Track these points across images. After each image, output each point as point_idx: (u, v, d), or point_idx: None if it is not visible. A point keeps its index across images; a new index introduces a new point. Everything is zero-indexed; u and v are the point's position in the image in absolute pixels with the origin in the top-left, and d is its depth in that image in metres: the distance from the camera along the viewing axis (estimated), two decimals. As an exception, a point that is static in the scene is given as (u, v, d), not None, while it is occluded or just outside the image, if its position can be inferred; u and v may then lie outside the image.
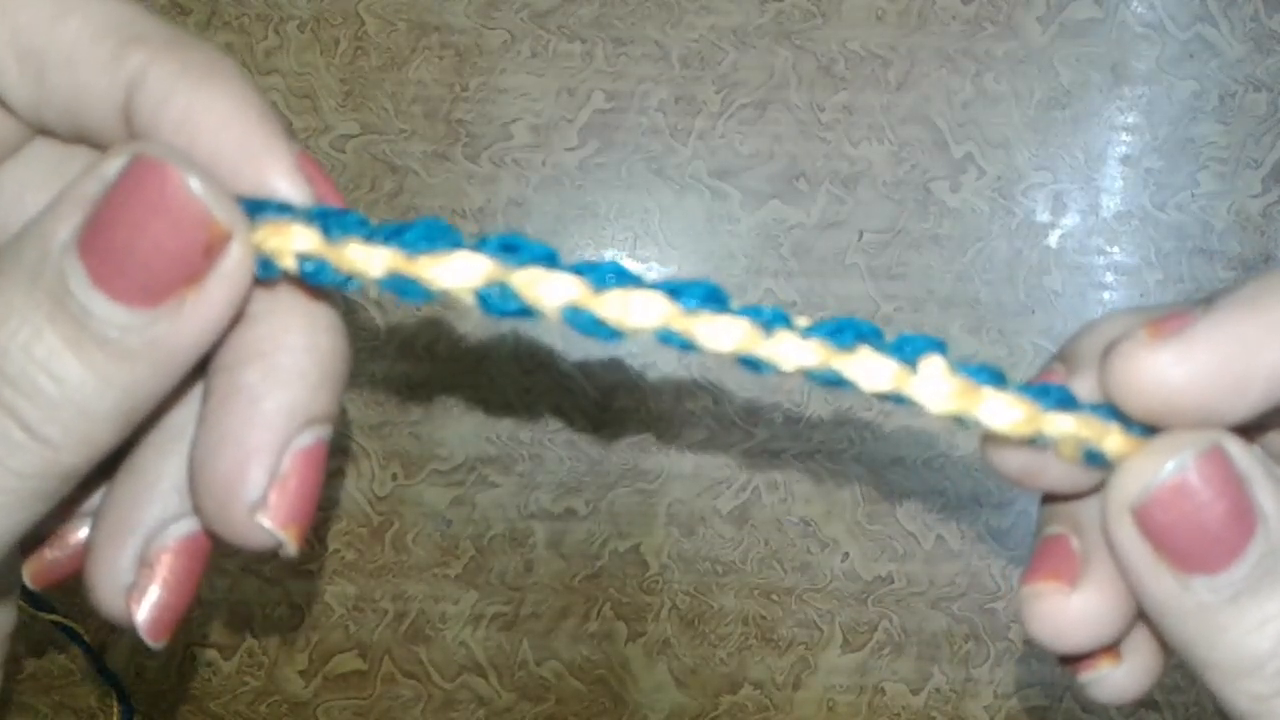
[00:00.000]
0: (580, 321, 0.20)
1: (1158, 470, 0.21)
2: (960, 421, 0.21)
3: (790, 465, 0.53)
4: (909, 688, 0.53)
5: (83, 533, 0.24)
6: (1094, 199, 0.53)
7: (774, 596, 0.53)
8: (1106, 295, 0.53)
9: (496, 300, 0.20)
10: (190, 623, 0.54)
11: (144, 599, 0.22)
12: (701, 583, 0.53)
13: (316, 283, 0.21)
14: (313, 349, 0.22)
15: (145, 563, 0.22)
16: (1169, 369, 0.20)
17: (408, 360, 0.53)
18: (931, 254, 0.53)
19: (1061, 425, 0.21)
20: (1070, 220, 0.53)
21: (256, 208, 0.20)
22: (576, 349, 0.53)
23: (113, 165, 0.19)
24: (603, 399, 0.53)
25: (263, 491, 0.21)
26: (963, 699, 0.52)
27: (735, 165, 0.53)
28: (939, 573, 0.52)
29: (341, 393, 0.22)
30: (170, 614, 0.22)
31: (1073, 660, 0.24)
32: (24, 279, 0.19)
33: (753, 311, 0.21)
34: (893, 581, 0.53)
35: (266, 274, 0.21)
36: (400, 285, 0.21)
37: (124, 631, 0.53)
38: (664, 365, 0.53)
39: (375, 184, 0.53)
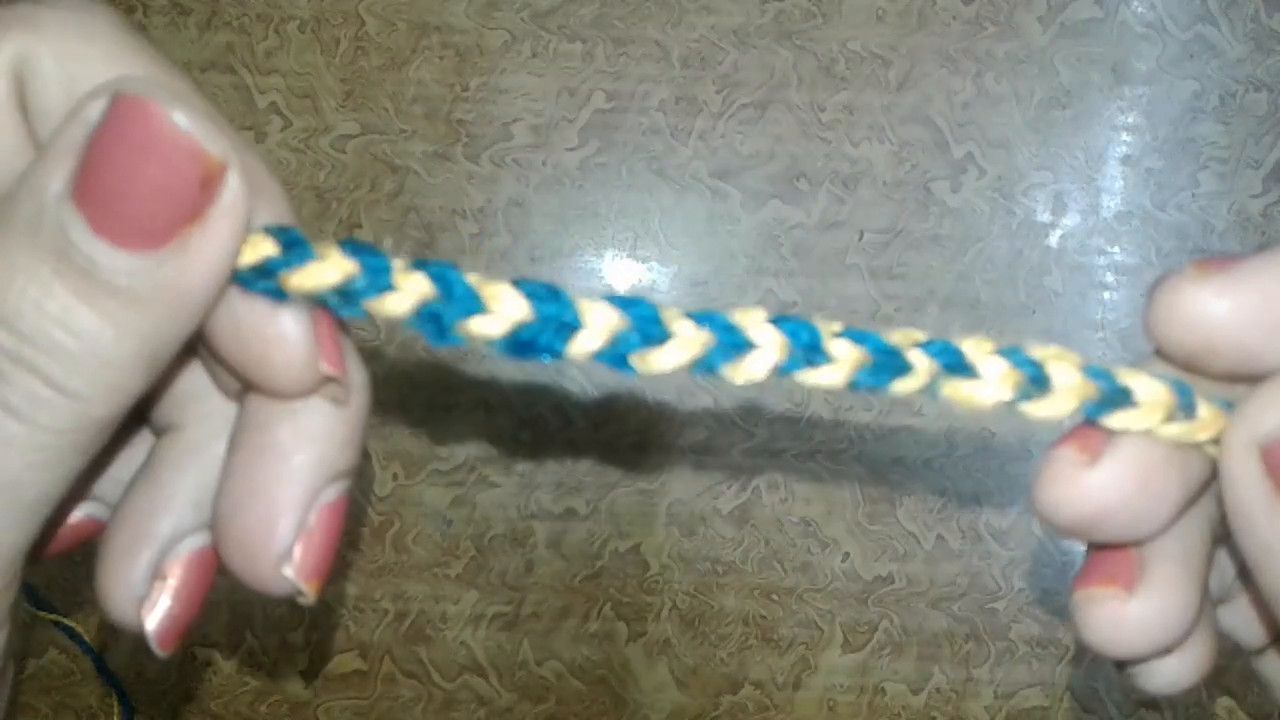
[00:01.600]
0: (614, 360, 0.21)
1: None
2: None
3: (791, 465, 0.53)
4: (909, 688, 0.53)
5: (80, 510, 0.24)
6: (1094, 199, 0.53)
7: (774, 596, 0.53)
8: (1107, 295, 0.53)
9: (538, 341, 0.21)
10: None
11: (155, 609, 0.23)
12: (702, 583, 0.53)
13: (343, 313, 0.21)
14: (340, 408, 0.22)
15: (158, 575, 0.23)
16: (1211, 302, 0.20)
17: (408, 360, 0.53)
18: (932, 254, 0.53)
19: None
20: (1071, 220, 0.53)
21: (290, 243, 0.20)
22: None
23: (94, 108, 0.19)
24: (604, 399, 0.53)
25: (289, 545, 0.22)
26: (963, 699, 0.52)
27: (736, 165, 0.53)
28: (939, 573, 0.52)
29: (361, 445, 0.23)
30: (179, 624, 0.23)
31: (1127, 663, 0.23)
32: (24, 235, 0.19)
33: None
34: (893, 581, 0.53)
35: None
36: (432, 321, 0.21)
37: (124, 632, 0.53)
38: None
39: (376, 184, 0.53)
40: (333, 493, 0.22)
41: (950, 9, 0.53)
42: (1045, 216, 0.53)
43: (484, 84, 0.53)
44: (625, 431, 0.53)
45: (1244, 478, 0.20)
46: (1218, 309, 0.20)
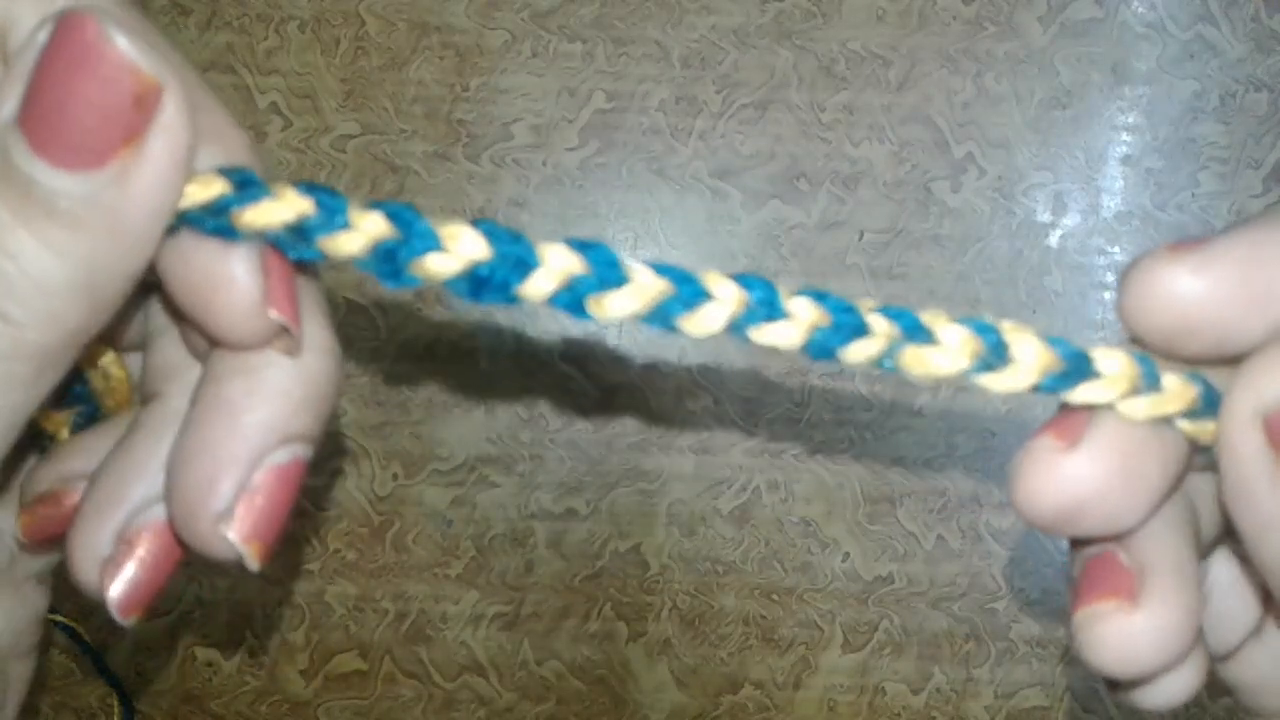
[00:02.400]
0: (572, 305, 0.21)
1: None
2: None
3: (791, 465, 0.53)
4: (910, 688, 0.53)
5: (77, 495, 0.24)
6: (1095, 199, 0.53)
7: (774, 596, 0.53)
8: (1107, 295, 0.53)
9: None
10: (191, 622, 0.54)
11: (118, 574, 0.22)
12: (702, 583, 0.53)
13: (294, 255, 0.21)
14: (300, 368, 0.21)
15: (124, 539, 0.22)
16: (1187, 281, 0.20)
17: (408, 360, 0.53)
18: (932, 254, 0.53)
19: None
20: (1071, 220, 0.53)
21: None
22: (577, 349, 0.53)
23: (44, 32, 0.19)
24: (604, 399, 0.53)
25: (230, 503, 0.21)
26: (963, 699, 0.52)
27: (736, 165, 0.53)
28: (940, 573, 0.52)
29: (326, 415, 0.22)
30: (143, 593, 0.22)
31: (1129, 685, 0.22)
32: None
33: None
34: (893, 581, 0.53)
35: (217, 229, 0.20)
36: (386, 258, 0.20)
37: (125, 631, 0.53)
38: (664, 365, 0.53)
39: (376, 184, 0.53)
40: (284, 455, 0.21)
41: (950, 9, 0.53)
42: (1045, 216, 0.53)
43: (484, 84, 0.53)
44: (625, 431, 0.53)
45: (1245, 448, 0.19)
46: (1194, 286, 0.20)
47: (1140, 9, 0.53)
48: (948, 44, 0.53)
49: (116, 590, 0.22)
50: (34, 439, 0.25)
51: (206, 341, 0.22)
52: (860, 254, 0.53)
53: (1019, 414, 0.52)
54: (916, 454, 0.52)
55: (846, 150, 0.53)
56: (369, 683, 0.53)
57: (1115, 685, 0.22)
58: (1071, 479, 0.20)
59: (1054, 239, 0.53)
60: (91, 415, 0.25)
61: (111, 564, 0.22)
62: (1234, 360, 0.21)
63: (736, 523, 0.53)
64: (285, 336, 0.21)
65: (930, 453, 0.52)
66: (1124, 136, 0.53)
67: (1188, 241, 0.20)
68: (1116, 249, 0.53)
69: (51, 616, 0.50)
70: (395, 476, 0.53)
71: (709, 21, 0.53)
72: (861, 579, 0.53)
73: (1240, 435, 0.20)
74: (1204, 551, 0.23)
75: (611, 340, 0.53)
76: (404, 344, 0.53)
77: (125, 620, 0.22)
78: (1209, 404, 0.21)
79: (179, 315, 0.22)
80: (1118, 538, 0.21)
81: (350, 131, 0.54)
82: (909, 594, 0.53)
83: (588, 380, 0.53)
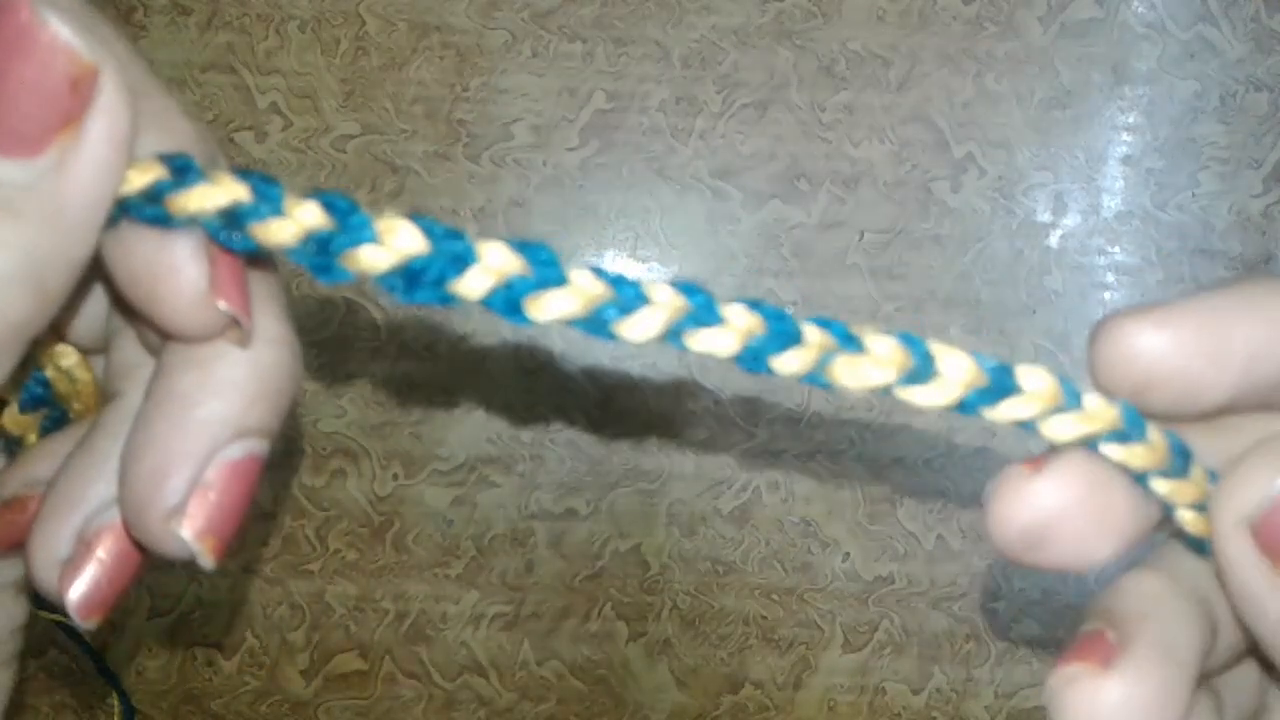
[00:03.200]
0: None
1: (1273, 479, 0.20)
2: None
3: (791, 465, 0.53)
4: (910, 688, 0.53)
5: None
6: (1095, 199, 0.53)
7: (775, 596, 0.53)
8: (1107, 295, 0.53)
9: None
10: (191, 622, 0.54)
11: (77, 576, 0.22)
12: (702, 583, 0.53)
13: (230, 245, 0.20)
14: (253, 361, 0.21)
15: (83, 540, 0.22)
16: (1149, 335, 0.21)
17: (408, 360, 0.53)
18: (932, 254, 0.53)
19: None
20: (1071, 220, 0.53)
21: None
22: (577, 349, 0.53)
23: None
24: (604, 399, 0.53)
25: (181, 499, 0.20)
26: (964, 699, 0.52)
27: (736, 165, 0.53)
28: (940, 573, 0.52)
29: (283, 409, 0.22)
30: (103, 594, 0.22)
31: None
32: None
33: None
34: (894, 581, 0.53)
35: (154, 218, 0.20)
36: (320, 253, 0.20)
37: (124, 631, 0.53)
38: (665, 366, 0.53)
39: (376, 184, 0.53)
40: (237, 450, 0.21)
41: (951, 9, 0.53)
42: (1046, 216, 0.53)
43: (484, 84, 0.53)
44: (626, 432, 0.53)
45: (1239, 558, 0.20)
46: (1156, 340, 0.21)
47: (1140, 9, 0.53)
48: (948, 44, 0.53)
49: (75, 593, 0.22)
50: (3, 444, 0.25)
51: (158, 335, 0.21)
52: (860, 254, 0.53)
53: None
54: (917, 454, 0.52)
55: (847, 150, 0.53)
56: (369, 683, 0.53)
57: None
58: (1035, 500, 0.21)
59: (1054, 239, 0.53)
60: (60, 419, 0.25)
61: (70, 566, 0.22)
62: (1209, 417, 0.21)
63: (737, 523, 0.53)
64: (235, 327, 0.21)
65: (930, 453, 0.52)
66: (1124, 136, 0.53)
67: (1153, 304, 0.21)
68: (1117, 249, 0.53)
69: (52, 616, 0.50)
70: (396, 476, 0.53)
71: (709, 21, 0.53)
72: (862, 579, 0.53)
73: (1231, 544, 0.20)
74: (1232, 660, 0.23)
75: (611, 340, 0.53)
76: (404, 344, 0.53)
77: (86, 622, 0.22)
78: (1181, 459, 0.21)
79: (127, 309, 0.22)
80: (1085, 567, 0.22)
81: (350, 131, 0.54)
82: (909, 594, 0.53)
83: (588, 380, 0.53)
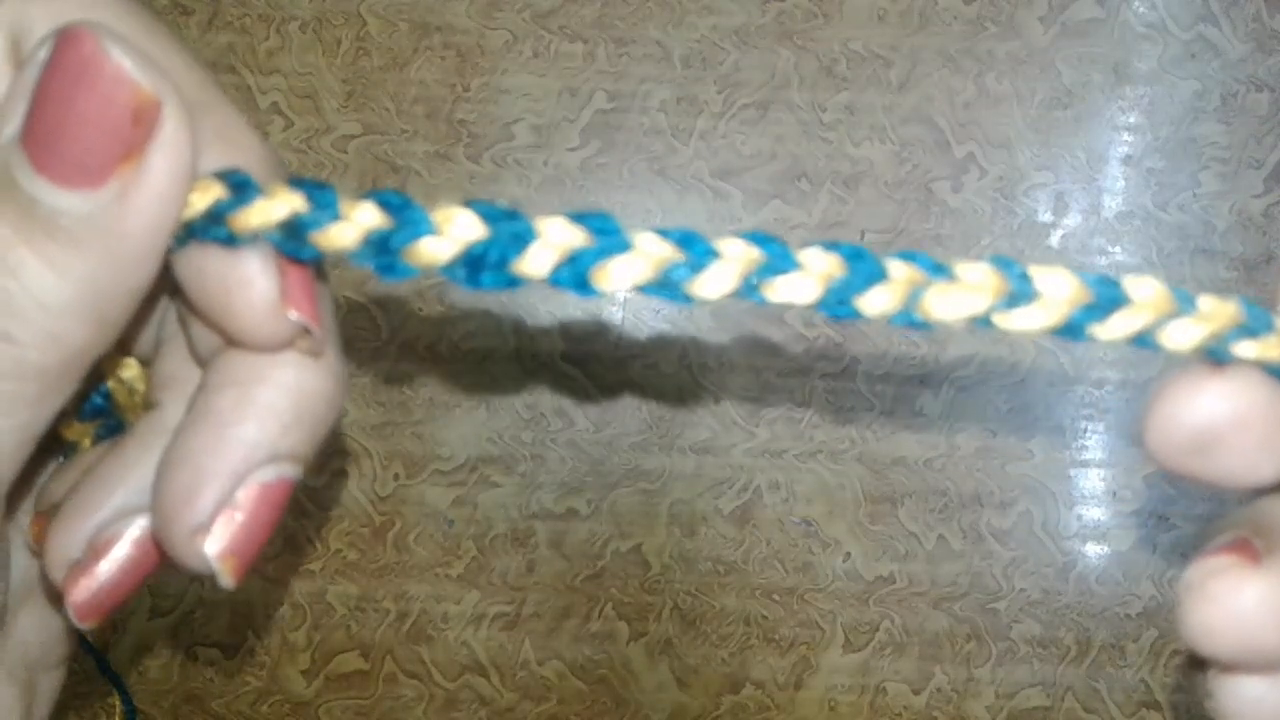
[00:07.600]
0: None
1: None
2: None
3: (792, 465, 0.53)
4: (911, 688, 0.53)
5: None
6: (1096, 199, 0.53)
7: (775, 596, 0.53)
8: (1108, 295, 0.53)
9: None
10: (192, 622, 0.54)
11: (81, 579, 0.22)
12: (703, 583, 0.53)
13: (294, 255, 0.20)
14: (293, 387, 0.21)
15: (93, 545, 0.22)
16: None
17: (409, 360, 0.53)
18: (933, 254, 0.52)
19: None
20: (1072, 220, 0.53)
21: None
22: (577, 349, 0.53)
23: (45, 48, 0.19)
24: (605, 399, 0.53)
25: (209, 516, 0.21)
26: (964, 699, 0.52)
27: (737, 165, 0.53)
28: (941, 573, 0.52)
29: (320, 437, 0.22)
30: (103, 601, 0.22)
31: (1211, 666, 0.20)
32: None
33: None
34: (894, 581, 0.53)
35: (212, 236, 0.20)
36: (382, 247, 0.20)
37: (126, 631, 0.53)
38: (665, 366, 0.53)
39: (377, 184, 0.53)
40: (270, 473, 0.21)
41: (952, 9, 0.53)
42: (1047, 216, 0.53)
43: (485, 84, 0.54)
44: (626, 431, 0.53)
45: None
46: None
47: (1141, 9, 0.53)
48: (949, 44, 0.53)
49: (77, 595, 0.22)
50: (60, 450, 0.25)
51: (229, 344, 0.22)
52: (861, 254, 0.53)
53: (1020, 414, 0.52)
54: (917, 454, 0.52)
55: (848, 150, 0.53)
56: (370, 683, 0.53)
57: (1201, 667, 0.21)
58: (1214, 403, 0.20)
59: (1055, 239, 0.53)
60: (115, 428, 0.25)
61: (77, 568, 0.22)
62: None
63: (738, 523, 0.53)
64: (307, 336, 0.21)
65: (931, 453, 0.52)
66: (1125, 136, 0.53)
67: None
68: (1118, 249, 0.53)
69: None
70: (397, 476, 0.53)
71: (710, 22, 0.53)
72: (863, 579, 0.53)
73: None
74: None
75: (613, 335, 0.53)
76: (405, 344, 0.53)
77: (83, 624, 0.22)
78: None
79: (199, 318, 0.22)
80: (1251, 487, 0.21)
81: (351, 132, 0.54)
82: (910, 594, 0.53)
83: (589, 380, 0.53)
